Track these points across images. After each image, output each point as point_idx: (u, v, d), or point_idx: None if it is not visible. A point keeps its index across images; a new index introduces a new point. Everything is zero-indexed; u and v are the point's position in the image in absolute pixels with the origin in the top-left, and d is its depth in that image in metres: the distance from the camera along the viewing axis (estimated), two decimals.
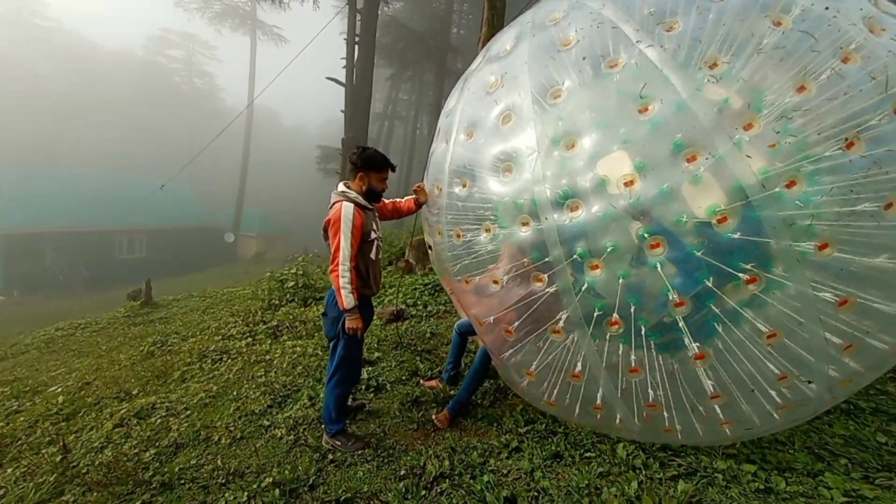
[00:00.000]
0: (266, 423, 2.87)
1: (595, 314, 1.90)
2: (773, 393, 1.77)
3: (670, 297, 1.74)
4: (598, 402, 2.05)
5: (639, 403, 1.96)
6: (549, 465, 2.23)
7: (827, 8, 1.66)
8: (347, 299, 2.32)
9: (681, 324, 1.76)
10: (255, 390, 3.35)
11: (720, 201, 1.59)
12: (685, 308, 1.73)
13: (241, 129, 32.11)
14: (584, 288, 1.90)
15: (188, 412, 3.14)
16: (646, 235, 1.70)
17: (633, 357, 1.91)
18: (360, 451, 2.49)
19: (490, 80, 2.29)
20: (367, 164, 2.49)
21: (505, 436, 2.54)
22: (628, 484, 2.04)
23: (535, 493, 2.02)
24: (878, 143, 1.54)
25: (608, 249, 1.80)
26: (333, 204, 2.41)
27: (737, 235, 1.60)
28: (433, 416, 2.76)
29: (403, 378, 3.42)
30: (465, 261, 2.35)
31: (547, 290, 2.02)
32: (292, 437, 2.68)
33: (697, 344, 1.75)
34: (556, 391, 2.15)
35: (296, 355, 3.93)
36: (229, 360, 4.17)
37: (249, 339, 4.66)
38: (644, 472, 2.14)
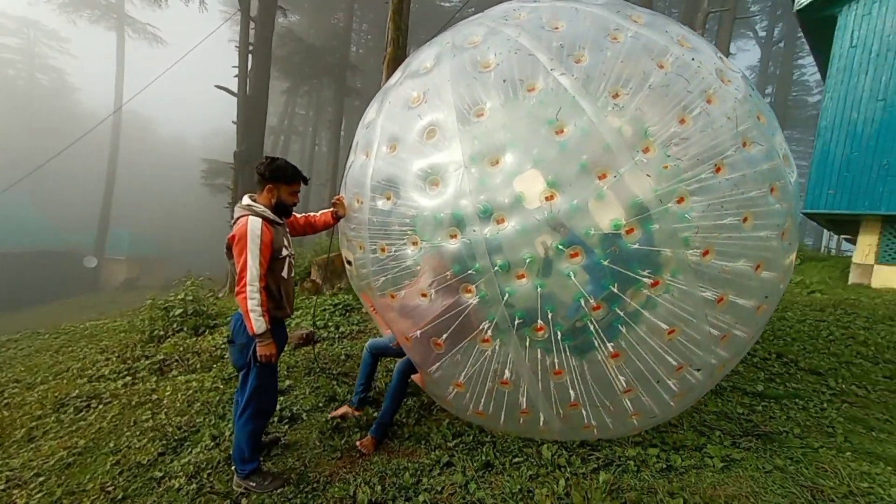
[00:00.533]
0: (157, 474, 2.44)
1: (516, 321, 2.01)
2: (670, 383, 2.04)
3: (583, 303, 1.91)
4: (525, 406, 2.14)
5: (563, 404, 2.10)
6: (482, 475, 2.26)
7: (693, 59, 2.03)
8: (257, 323, 2.11)
9: (592, 326, 1.94)
10: (141, 437, 2.83)
11: (620, 216, 1.82)
12: (600, 311, 1.92)
13: (105, 138, 27.72)
14: (506, 298, 2.00)
15: (41, 478, 2.52)
16: (561, 247, 1.84)
17: (555, 360, 2.05)
18: (278, 490, 2.24)
19: (412, 95, 2.32)
20: (276, 176, 2.32)
21: (434, 452, 2.51)
22: (556, 483, 2.16)
23: None
24: (734, 169, 1.91)
25: (527, 260, 1.92)
26: (238, 219, 2.20)
27: (636, 245, 1.84)
28: (357, 443, 2.60)
29: (320, 405, 3.19)
30: (389, 275, 2.31)
31: (472, 300, 2.08)
32: (194, 485, 2.31)
33: (612, 343, 1.94)
34: (482, 400, 2.19)
35: (191, 391, 3.42)
36: (101, 406, 3.47)
37: (128, 378, 3.94)
38: (569, 469, 2.28)
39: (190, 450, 2.66)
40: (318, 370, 3.77)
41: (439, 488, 2.17)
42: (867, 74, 7.11)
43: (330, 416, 2.98)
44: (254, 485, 2.26)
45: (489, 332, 2.08)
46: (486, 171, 1.98)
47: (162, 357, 4.32)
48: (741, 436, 2.59)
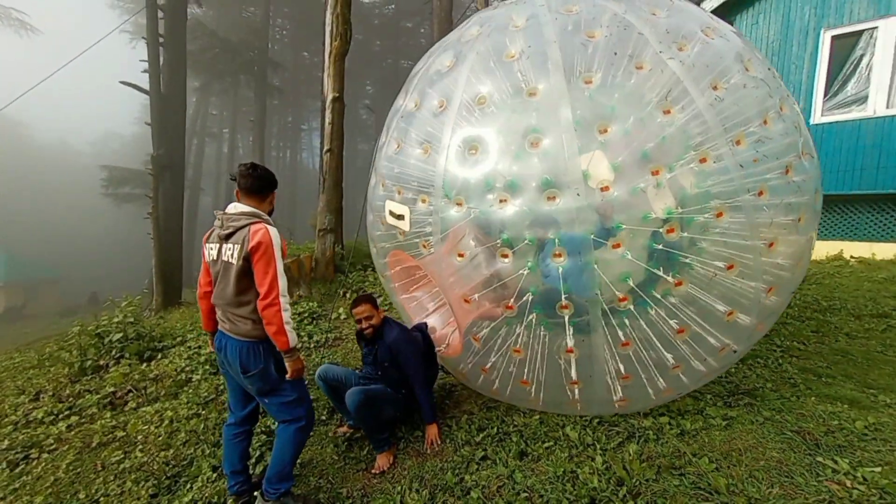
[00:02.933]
0: None
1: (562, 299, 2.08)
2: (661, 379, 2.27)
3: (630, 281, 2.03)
4: (575, 377, 2.23)
5: (618, 377, 2.23)
6: (521, 464, 2.28)
7: (769, 68, 2.27)
8: (292, 336, 1.97)
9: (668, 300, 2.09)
10: (119, 482, 2.45)
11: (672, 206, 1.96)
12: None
13: None
14: (554, 272, 2.05)
15: None
16: (622, 225, 1.94)
17: (621, 334, 2.14)
18: None
19: (508, 51, 2.25)
20: (274, 183, 2.19)
21: (464, 448, 2.49)
22: (594, 460, 2.25)
23: (526, 493, 2.04)
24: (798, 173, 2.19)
25: (576, 237, 1.99)
26: (246, 227, 1.98)
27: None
28: (376, 465, 2.43)
29: (323, 418, 3.01)
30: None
31: (520, 271, 2.12)
32: None
33: (622, 333, 2.11)
34: (536, 368, 2.31)
35: (166, 422, 3.03)
36: (45, 455, 2.93)
37: (73, 419, 3.36)
38: (598, 445, 2.39)
39: (189, 486, 2.37)
40: (307, 382, 3.54)
41: (485, 483, 2.15)
42: None
43: (334, 433, 2.81)
44: None
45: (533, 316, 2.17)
46: (592, 138, 1.99)
47: (112, 389, 3.76)
48: (729, 396, 2.90)
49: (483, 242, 2.24)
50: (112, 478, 2.52)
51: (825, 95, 6.80)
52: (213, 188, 34.67)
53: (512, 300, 2.17)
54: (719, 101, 2.00)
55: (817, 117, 6.87)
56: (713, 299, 2.06)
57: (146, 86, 11.58)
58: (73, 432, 3.18)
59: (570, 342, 2.16)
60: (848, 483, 1.95)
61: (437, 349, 2.79)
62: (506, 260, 2.14)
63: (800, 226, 2.19)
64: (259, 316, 1.98)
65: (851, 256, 6.62)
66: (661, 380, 2.27)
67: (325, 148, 6.47)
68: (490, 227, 2.19)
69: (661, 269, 2.01)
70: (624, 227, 1.96)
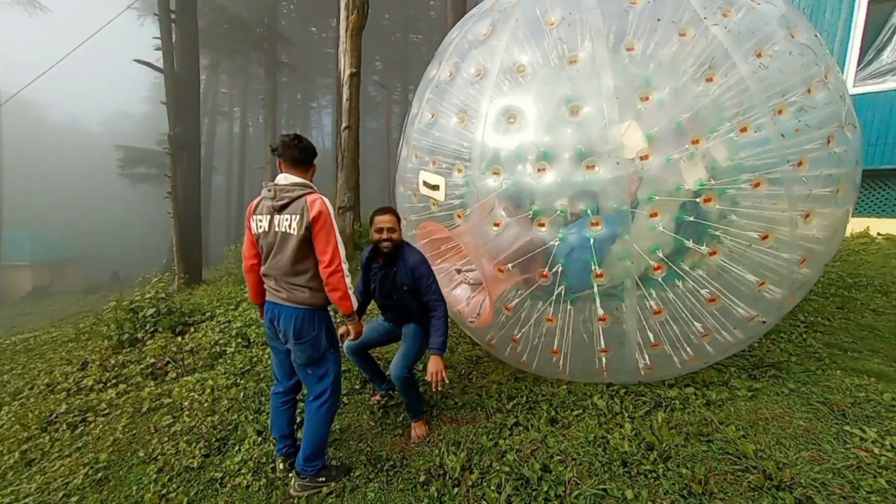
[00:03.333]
0: (216, 475, 2.30)
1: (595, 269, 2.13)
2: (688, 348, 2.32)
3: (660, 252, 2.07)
4: (604, 345, 2.31)
5: (646, 345, 2.30)
6: (553, 430, 2.39)
7: (816, 35, 2.21)
8: (354, 301, 2.09)
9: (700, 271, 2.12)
10: (173, 442, 2.62)
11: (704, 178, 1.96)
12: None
13: None
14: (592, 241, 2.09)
15: (75, 498, 2.27)
16: (655, 196, 1.96)
17: (651, 303, 2.20)
18: (346, 477, 2.22)
19: (548, 18, 2.24)
20: (315, 154, 2.21)
21: (496, 416, 2.60)
22: (622, 427, 2.34)
23: (560, 457, 2.14)
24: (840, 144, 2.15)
25: (615, 207, 2.02)
26: (302, 197, 2.02)
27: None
28: (413, 435, 2.51)
29: (357, 387, 3.15)
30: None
31: (553, 240, 2.17)
32: (263, 480, 2.21)
33: (653, 302, 2.17)
34: (571, 336, 2.36)
35: (207, 391, 3.20)
36: (102, 418, 3.13)
37: (121, 387, 3.57)
38: (626, 413, 2.48)
39: (237, 448, 2.53)
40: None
41: (518, 446, 2.26)
42: None
43: (370, 401, 2.94)
44: (322, 479, 2.18)
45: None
46: (632, 107, 1.99)
47: (152, 360, 3.95)
48: (753, 368, 2.95)
49: (514, 214, 2.28)
50: (166, 439, 2.70)
51: (859, 64, 6.53)
52: (225, 167, 34.87)
53: (546, 269, 2.22)
54: (763, 68, 1.97)
55: (849, 87, 6.62)
56: (744, 270, 2.08)
57: (158, 64, 11.58)
58: (122, 399, 3.38)
59: (601, 311, 2.22)
60: (876, 450, 2.01)
61: (468, 321, 2.85)
62: (542, 229, 2.18)
63: (838, 198, 2.17)
64: (316, 284, 2.07)
65: (878, 233, 6.50)
66: (688, 349, 2.32)
67: (344, 125, 6.47)
68: (521, 197, 2.22)
69: (692, 240, 2.03)
70: (657, 197, 1.98)
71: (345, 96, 6.44)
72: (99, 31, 8.13)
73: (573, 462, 2.10)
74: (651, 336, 2.26)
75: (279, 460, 2.31)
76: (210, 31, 21.15)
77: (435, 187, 2.54)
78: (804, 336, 3.47)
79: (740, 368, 2.96)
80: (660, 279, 2.11)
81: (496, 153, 2.25)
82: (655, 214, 1.99)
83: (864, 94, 6.47)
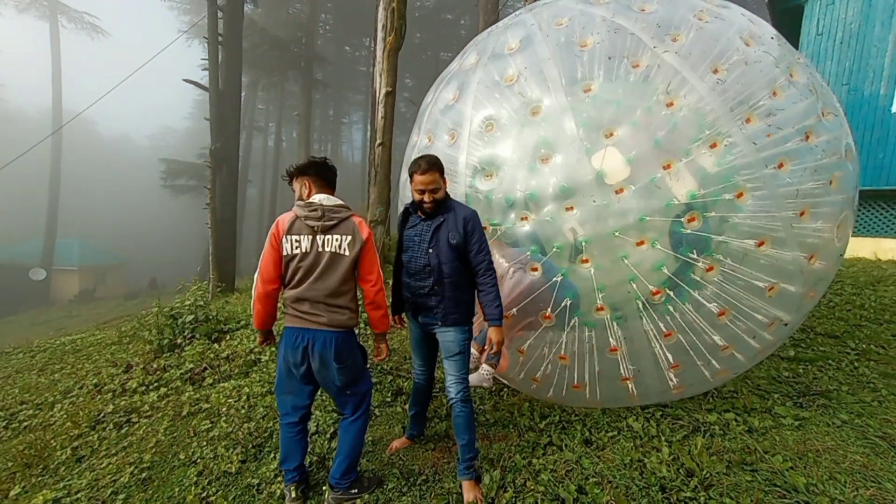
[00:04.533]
0: (253, 481, 2.36)
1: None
2: (714, 362, 2.23)
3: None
4: (625, 374, 2.26)
5: (667, 366, 2.22)
6: (587, 451, 2.34)
7: (772, 37, 2.19)
8: (391, 319, 2.16)
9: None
10: (212, 447, 2.71)
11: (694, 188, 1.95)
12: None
13: (38, 139, 25.51)
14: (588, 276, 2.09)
15: (122, 496, 2.37)
16: (645, 217, 1.98)
17: (662, 326, 2.15)
18: (378, 489, 2.23)
19: (507, 74, 2.34)
20: (335, 173, 2.25)
21: (528, 434, 2.57)
22: (660, 451, 2.27)
23: (595, 479, 2.10)
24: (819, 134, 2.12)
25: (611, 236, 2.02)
26: (349, 218, 2.08)
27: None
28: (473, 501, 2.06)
29: (388, 400, 3.18)
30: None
31: (553, 279, 2.18)
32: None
33: (663, 325, 2.11)
34: (586, 370, 2.30)
35: (243, 398, 3.30)
36: (145, 420, 3.27)
37: (162, 390, 3.73)
38: (663, 437, 2.40)
39: (272, 455, 2.59)
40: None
41: (552, 466, 2.23)
42: (832, 60, 7.64)
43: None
44: (356, 491, 2.17)
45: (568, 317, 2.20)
46: (602, 143, 2.03)
47: (191, 366, 4.11)
48: (799, 396, 2.81)
49: (511, 258, 2.32)
50: (205, 443, 2.79)
51: None
52: (259, 180, 36.23)
53: (549, 310, 2.21)
54: (721, 83, 1.99)
55: None
56: (751, 276, 2.02)
57: (204, 82, 12.28)
58: (164, 402, 3.53)
59: (613, 341, 2.18)
60: None
61: (484, 373, 2.54)
62: (535, 273, 2.20)
63: (831, 189, 2.11)
64: (354, 304, 2.11)
65: None
66: (714, 362, 2.24)
67: (378, 141, 6.65)
68: (517, 241, 2.28)
69: (694, 252, 2.00)
70: (647, 218, 1.96)
71: (380, 114, 6.64)
72: (157, 54, 8.75)
73: (609, 485, 2.05)
74: (670, 357, 2.19)
75: (291, 488, 2.18)
76: (251, 51, 22.32)
77: None
78: (856, 364, 3.28)
79: (784, 395, 2.83)
80: (669, 298, 2.06)
81: (481, 206, 2.32)
82: (642, 242, 1.97)
83: None
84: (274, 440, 2.74)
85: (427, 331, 2.31)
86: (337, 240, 2.02)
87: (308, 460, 2.51)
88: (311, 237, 2.02)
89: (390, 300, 2.44)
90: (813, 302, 2.42)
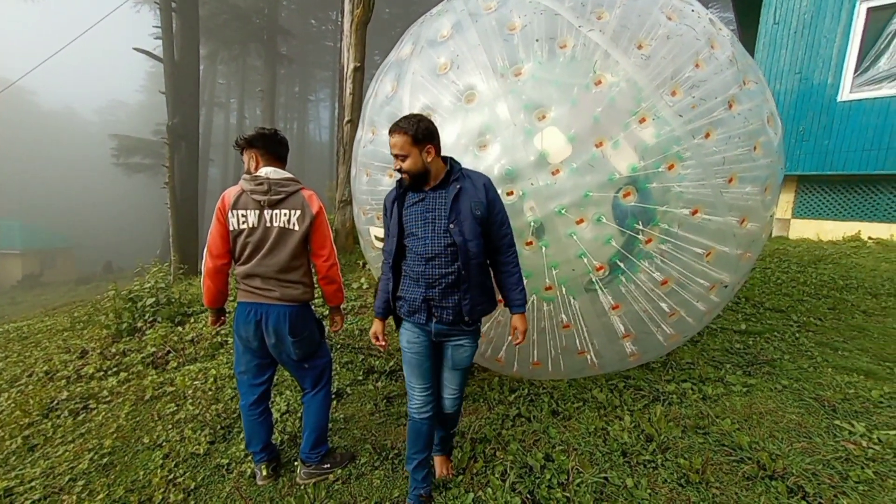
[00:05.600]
0: (222, 461, 2.33)
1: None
2: (664, 327, 2.34)
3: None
4: (580, 347, 2.34)
5: (615, 337, 2.33)
6: (554, 422, 2.44)
7: (692, 10, 2.32)
8: (345, 293, 2.09)
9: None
10: (178, 429, 2.65)
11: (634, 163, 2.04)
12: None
13: None
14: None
15: (83, 482, 2.29)
16: (591, 193, 2.06)
17: (608, 299, 2.24)
18: (350, 463, 2.25)
19: (439, 62, 2.36)
20: (287, 147, 2.16)
21: (498, 407, 2.65)
22: (622, 419, 2.40)
23: (562, 447, 2.20)
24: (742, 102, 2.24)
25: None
26: (298, 192, 2.00)
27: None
28: (443, 473, 2.10)
29: (360, 379, 3.19)
30: None
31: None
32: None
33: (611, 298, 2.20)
34: (539, 349, 2.38)
35: (210, 380, 3.22)
36: (104, 406, 3.14)
37: (122, 375, 3.58)
38: (625, 406, 2.54)
39: (242, 436, 2.55)
40: (338, 347, 3.72)
41: (521, 437, 2.32)
42: (787, 49, 7.95)
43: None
44: (328, 466, 2.19)
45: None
46: (536, 126, 2.07)
47: (153, 350, 3.96)
48: (748, 365, 3.03)
49: None
50: (170, 426, 2.72)
51: (856, 71, 6.64)
52: (221, 159, 34.63)
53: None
54: (645, 58, 2.07)
55: (846, 94, 6.74)
56: (689, 244, 2.14)
57: (157, 52, 11.49)
58: (124, 387, 3.40)
59: (565, 318, 2.26)
60: (864, 443, 2.09)
61: None
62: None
63: (755, 154, 2.25)
64: (307, 279, 2.08)
65: (870, 237, 6.63)
66: (665, 327, 2.35)
67: (346, 119, 6.47)
68: None
69: (640, 223, 2.08)
70: (592, 193, 2.03)
71: (348, 90, 6.44)
72: (101, 20, 8.04)
73: (574, 452, 2.16)
74: (621, 328, 2.29)
75: (261, 467, 2.18)
76: (210, 20, 20.96)
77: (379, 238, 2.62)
78: (797, 335, 3.55)
79: (735, 365, 3.04)
80: (615, 272, 2.15)
81: None
82: (581, 221, 2.05)
83: (860, 100, 6.59)
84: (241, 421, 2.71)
85: (438, 340, 1.84)
86: (285, 214, 1.97)
87: (280, 439, 2.50)
88: (258, 212, 1.96)
89: (372, 299, 2.44)
90: (750, 262, 2.56)
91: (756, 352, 3.23)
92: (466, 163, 2.02)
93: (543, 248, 2.12)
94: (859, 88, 6.60)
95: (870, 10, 6.47)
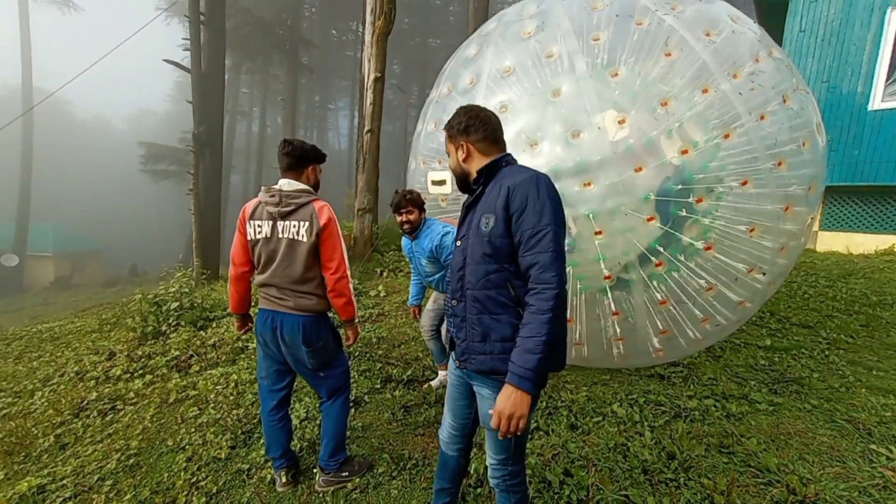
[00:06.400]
0: (243, 466, 2.37)
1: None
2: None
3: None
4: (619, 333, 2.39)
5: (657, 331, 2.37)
6: (573, 436, 2.41)
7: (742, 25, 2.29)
8: (356, 306, 2.15)
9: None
10: (201, 433, 2.71)
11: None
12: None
13: (6, 118, 24.43)
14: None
15: (111, 482, 2.36)
16: (651, 196, 2.14)
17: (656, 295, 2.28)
18: (368, 472, 2.27)
19: (526, 29, 2.55)
20: (319, 156, 2.17)
21: None
22: (643, 435, 2.35)
23: (581, 462, 2.17)
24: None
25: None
26: (309, 204, 2.02)
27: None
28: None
29: (378, 387, 3.20)
30: None
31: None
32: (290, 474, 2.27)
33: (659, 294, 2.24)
34: (586, 329, 2.45)
35: (231, 385, 3.29)
36: (131, 407, 3.24)
37: (147, 378, 3.69)
38: (646, 422, 2.49)
39: (262, 441, 2.59)
40: (357, 355, 3.75)
41: (539, 451, 2.29)
42: (814, 57, 7.77)
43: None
44: (346, 474, 2.21)
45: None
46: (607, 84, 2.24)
47: (177, 353, 4.07)
48: (774, 383, 2.93)
49: None
50: (193, 430, 2.78)
51: (888, 79, 6.44)
52: (243, 166, 35.46)
53: None
54: (713, 42, 2.25)
55: (877, 102, 6.54)
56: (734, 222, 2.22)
57: (185, 63, 11.90)
58: (149, 389, 3.49)
59: (614, 306, 2.31)
60: None
61: None
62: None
63: (804, 149, 2.34)
64: (321, 291, 2.08)
65: None
66: (693, 331, 2.38)
67: (366, 128, 6.58)
68: None
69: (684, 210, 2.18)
70: (652, 196, 2.10)
71: (368, 100, 6.55)
72: (137, 32, 8.40)
73: (594, 468, 2.12)
74: (660, 324, 2.34)
75: (281, 474, 2.21)
76: (235, 32, 21.63)
77: (441, 182, 2.63)
78: (826, 353, 3.43)
79: (760, 382, 2.95)
80: (667, 270, 2.24)
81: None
82: (652, 219, 2.09)
83: (892, 108, 6.38)
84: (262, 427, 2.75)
85: (466, 380, 1.53)
86: (294, 226, 1.99)
87: (299, 445, 2.53)
88: (271, 223, 2.02)
89: (389, 307, 2.51)
90: (787, 261, 2.57)
91: (782, 369, 3.13)
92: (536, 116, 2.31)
93: (598, 241, 2.18)
94: (892, 97, 6.40)
95: None
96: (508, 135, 1.65)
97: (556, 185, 1.35)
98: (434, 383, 3.16)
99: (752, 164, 2.18)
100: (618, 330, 2.35)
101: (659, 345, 2.40)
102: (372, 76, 6.47)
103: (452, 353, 1.55)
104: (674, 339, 2.39)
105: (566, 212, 1.40)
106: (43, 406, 3.49)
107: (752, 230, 2.22)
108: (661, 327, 2.33)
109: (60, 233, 27.59)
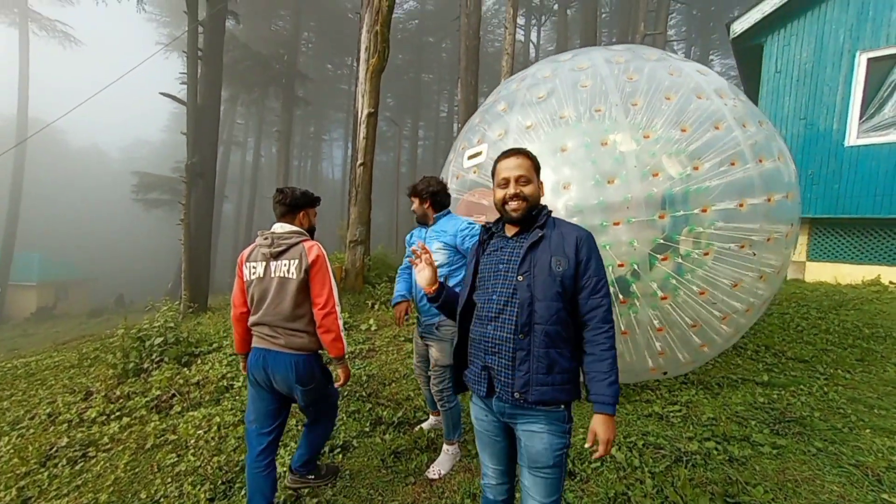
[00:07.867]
0: None
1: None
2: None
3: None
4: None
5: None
6: (571, 485, 2.30)
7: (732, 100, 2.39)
8: (346, 343, 2.15)
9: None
10: (177, 483, 2.54)
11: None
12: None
13: (5, 148, 24.35)
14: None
15: None
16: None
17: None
18: (335, 479, 2.49)
19: (580, 79, 2.89)
20: (312, 201, 2.30)
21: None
22: (643, 483, 2.25)
23: None
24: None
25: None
26: (299, 243, 2.11)
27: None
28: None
29: (367, 430, 3.07)
30: None
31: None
32: None
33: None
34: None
35: (214, 428, 3.12)
36: (104, 454, 3.04)
37: (125, 420, 3.49)
38: (646, 468, 2.39)
39: (243, 492, 2.43)
40: (345, 396, 3.61)
41: None
42: (790, 97, 8.10)
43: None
44: (312, 477, 2.45)
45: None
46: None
47: (158, 393, 3.89)
48: (775, 423, 2.86)
49: None
50: (169, 480, 2.61)
51: (861, 118, 6.72)
52: (235, 196, 35.52)
53: None
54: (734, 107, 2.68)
55: (852, 139, 6.78)
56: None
57: (182, 96, 12.06)
58: (125, 433, 3.30)
59: (623, 325, 2.58)
60: None
61: None
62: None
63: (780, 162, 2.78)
64: (312, 328, 2.12)
65: (890, 282, 6.46)
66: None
67: (359, 161, 6.64)
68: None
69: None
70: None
71: (361, 134, 6.65)
72: (137, 66, 8.54)
73: None
74: (656, 322, 2.60)
75: None
76: (232, 66, 22.12)
77: (477, 154, 2.81)
78: (825, 389, 3.38)
79: (761, 423, 2.88)
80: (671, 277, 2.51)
81: None
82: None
83: (868, 145, 6.62)
84: (245, 474, 2.59)
85: (504, 421, 1.53)
86: (285, 265, 2.09)
87: (282, 497, 2.38)
88: (264, 263, 2.14)
89: (380, 342, 2.65)
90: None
91: (782, 407, 3.07)
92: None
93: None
94: (866, 134, 6.65)
95: (870, 60, 6.62)
96: None
97: None
98: (425, 426, 3.04)
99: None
100: None
101: None
102: (365, 111, 6.59)
103: (477, 398, 1.59)
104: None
105: None
106: (8, 454, 3.27)
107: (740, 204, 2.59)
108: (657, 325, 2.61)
109: (46, 261, 27.05)
